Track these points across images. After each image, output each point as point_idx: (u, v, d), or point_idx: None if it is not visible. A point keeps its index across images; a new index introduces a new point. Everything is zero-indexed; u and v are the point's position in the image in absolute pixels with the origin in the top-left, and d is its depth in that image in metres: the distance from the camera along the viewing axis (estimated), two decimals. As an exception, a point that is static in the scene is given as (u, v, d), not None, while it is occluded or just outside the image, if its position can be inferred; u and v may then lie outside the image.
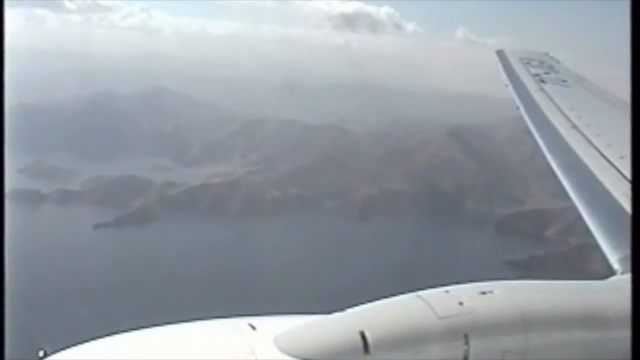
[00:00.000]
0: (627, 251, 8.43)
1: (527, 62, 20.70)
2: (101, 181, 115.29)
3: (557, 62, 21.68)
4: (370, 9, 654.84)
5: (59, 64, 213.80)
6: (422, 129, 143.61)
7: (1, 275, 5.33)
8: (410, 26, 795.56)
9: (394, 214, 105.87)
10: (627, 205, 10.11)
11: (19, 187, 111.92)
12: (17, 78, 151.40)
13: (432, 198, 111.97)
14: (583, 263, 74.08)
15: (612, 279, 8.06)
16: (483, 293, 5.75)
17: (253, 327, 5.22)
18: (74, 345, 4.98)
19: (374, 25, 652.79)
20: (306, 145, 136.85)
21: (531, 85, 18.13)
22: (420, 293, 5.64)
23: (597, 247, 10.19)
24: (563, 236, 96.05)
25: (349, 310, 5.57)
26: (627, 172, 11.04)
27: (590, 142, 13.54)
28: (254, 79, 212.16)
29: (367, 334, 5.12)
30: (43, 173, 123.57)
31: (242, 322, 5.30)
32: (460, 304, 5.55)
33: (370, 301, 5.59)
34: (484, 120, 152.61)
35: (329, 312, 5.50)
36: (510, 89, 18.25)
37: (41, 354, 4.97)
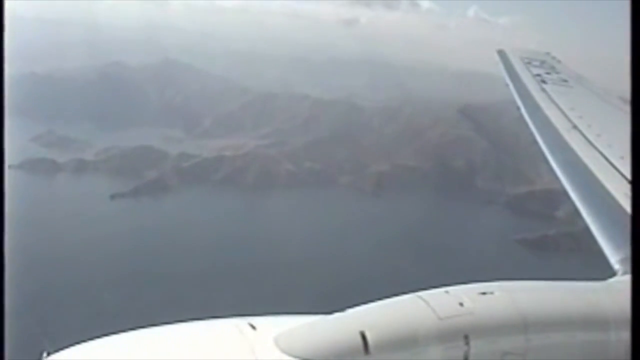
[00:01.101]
0: (628, 252, 8.42)
1: (528, 62, 20.78)
2: (115, 152, 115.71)
3: (559, 62, 21.70)
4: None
5: (67, 33, 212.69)
6: (432, 106, 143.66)
7: (1, 275, 5.24)
8: (425, 3, 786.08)
9: (406, 190, 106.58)
10: (627, 206, 10.01)
11: (33, 156, 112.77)
12: (27, 47, 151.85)
13: (443, 175, 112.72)
14: (594, 244, 75.15)
15: (612, 280, 8.15)
16: (483, 294, 5.86)
17: (253, 327, 5.25)
18: (67, 345, 5.02)
19: (388, 1, 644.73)
20: (318, 120, 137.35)
21: (532, 86, 18.24)
22: (421, 293, 5.73)
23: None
24: (573, 217, 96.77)
25: (349, 311, 5.62)
26: (628, 172, 11.07)
27: (590, 142, 13.59)
28: (263, 53, 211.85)
29: (368, 335, 5.16)
30: (55, 143, 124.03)
31: (242, 322, 5.34)
32: (461, 304, 5.63)
33: (378, 295, 5.73)
34: (493, 100, 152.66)
35: (330, 312, 5.54)
36: (512, 88, 18.42)
37: (45, 354, 4.98)
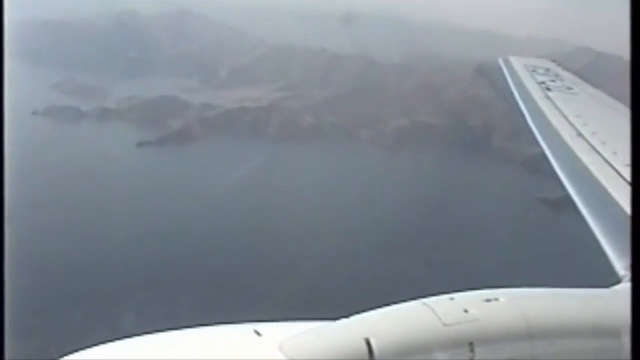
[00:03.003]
0: None
1: (533, 70, 20.85)
2: (138, 101, 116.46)
3: (563, 70, 21.80)
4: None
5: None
6: (447, 64, 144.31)
7: (1, 275, 5.26)
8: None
9: (427, 146, 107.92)
10: None
11: (58, 103, 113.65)
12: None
13: (462, 134, 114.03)
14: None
15: (618, 286, 8.19)
16: (488, 300, 5.89)
17: (258, 334, 5.31)
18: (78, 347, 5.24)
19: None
20: (335, 74, 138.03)
21: (537, 93, 18.41)
22: (426, 300, 5.77)
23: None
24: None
25: (355, 317, 5.64)
26: None
27: (596, 150, 13.61)
28: (277, 6, 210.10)
29: (373, 341, 5.20)
30: (76, 90, 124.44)
31: (247, 329, 5.41)
32: (466, 311, 5.66)
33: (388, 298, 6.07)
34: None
35: (335, 319, 5.63)
36: (517, 96, 18.82)
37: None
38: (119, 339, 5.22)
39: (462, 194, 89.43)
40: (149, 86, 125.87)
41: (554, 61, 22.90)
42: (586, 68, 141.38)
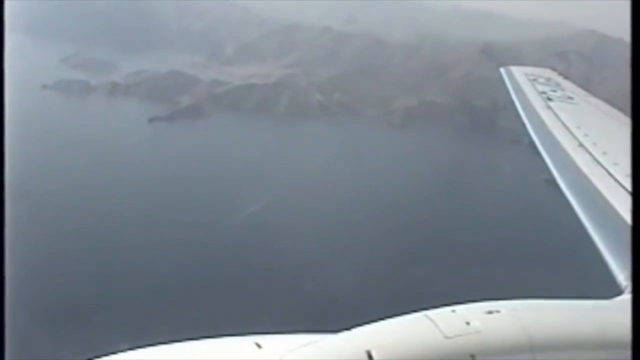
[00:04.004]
0: None
1: (533, 79, 20.69)
2: (146, 75, 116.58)
3: (564, 79, 21.74)
4: None
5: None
6: (451, 44, 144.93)
7: (1, 275, 5.27)
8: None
9: (434, 126, 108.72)
10: None
11: (66, 77, 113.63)
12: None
13: (468, 113, 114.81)
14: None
15: (619, 297, 8.17)
16: (490, 312, 5.89)
17: (259, 346, 5.31)
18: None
19: None
20: (341, 52, 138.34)
21: (538, 103, 18.19)
22: (427, 312, 5.77)
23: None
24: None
25: (356, 330, 5.62)
26: None
27: (597, 160, 13.54)
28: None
29: (374, 354, 5.20)
30: (84, 64, 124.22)
31: (247, 341, 5.41)
32: (467, 323, 5.66)
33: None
34: (510, 40, 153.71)
35: (336, 331, 5.63)
36: (517, 106, 18.56)
37: None
38: (118, 352, 5.16)
39: (472, 174, 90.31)
40: (155, 61, 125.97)
41: (554, 70, 23.08)
42: (590, 51, 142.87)
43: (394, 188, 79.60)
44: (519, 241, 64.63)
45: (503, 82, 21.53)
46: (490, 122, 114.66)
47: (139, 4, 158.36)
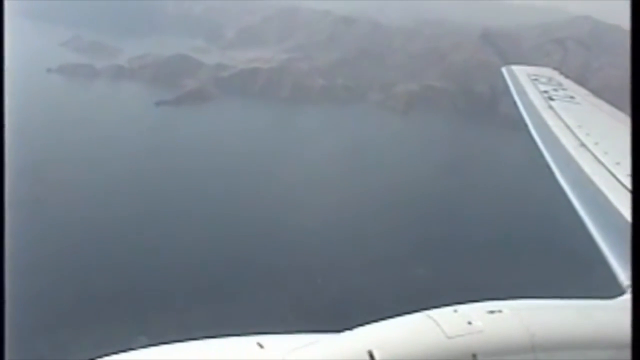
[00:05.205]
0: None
1: (535, 79, 20.63)
2: (150, 59, 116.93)
3: (566, 78, 21.64)
4: None
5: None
6: (451, 29, 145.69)
7: (1, 275, 5.27)
8: None
9: (436, 110, 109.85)
10: None
11: (69, 61, 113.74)
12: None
13: (469, 98, 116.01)
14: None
15: (621, 298, 8.15)
16: (491, 312, 5.90)
17: (261, 346, 5.34)
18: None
19: None
20: (341, 36, 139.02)
21: (539, 103, 18.22)
22: (429, 312, 5.77)
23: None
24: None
25: (358, 329, 5.63)
26: None
27: (598, 160, 13.53)
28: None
29: (376, 354, 5.23)
30: (86, 48, 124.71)
31: (250, 341, 5.44)
32: (469, 323, 5.67)
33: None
34: (507, 26, 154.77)
35: (338, 331, 5.66)
36: (519, 105, 18.53)
37: None
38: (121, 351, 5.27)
39: (477, 157, 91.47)
40: (157, 45, 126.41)
41: (555, 69, 22.92)
42: (587, 37, 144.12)
43: (401, 173, 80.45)
44: (517, 233, 64.75)
45: (504, 81, 21.46)
46: (490, 107, 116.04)
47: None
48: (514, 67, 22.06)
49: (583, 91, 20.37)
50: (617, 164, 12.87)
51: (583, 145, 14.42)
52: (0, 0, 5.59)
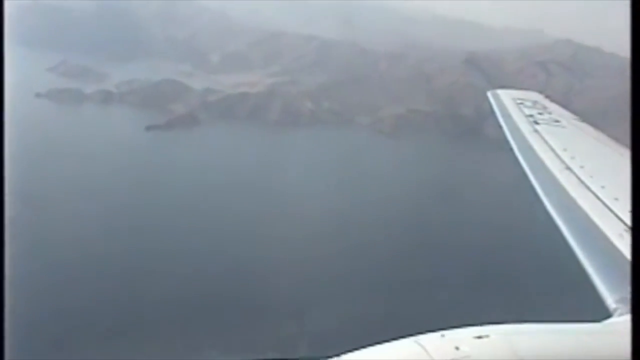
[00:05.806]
0: (623, 293, 8.75)
1: (520, 103, 20.76)
2: (138, 84, 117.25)
3: (550, 101, 21.85)
4: None
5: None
6: (435, 53, 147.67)
7: (1, 275, 5.30)
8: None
9: (422, 133, 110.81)
10: (622, 246, 10.36)
11: (57, 85, 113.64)
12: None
13: (455, 121, 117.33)
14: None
15: (608, 321, 8.17)
16: (479, 337, 5.91)
17: None
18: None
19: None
20: (327, 60, 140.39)
21: (525, 127, 18.33)
22: (417, 338, 5.80)
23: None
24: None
25: (347, 355, 5.64)
26: (622, 213, 11.54)
27: (584, 183, 13.60)
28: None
29: None
30: (72, 73, 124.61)
31: None
32: (457, 348, 5.68)
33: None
34: (490, 49, 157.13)
35: (328, 357, 5.62)
36: (505, 129, 18.61)
37: None
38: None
39: (463, 180, 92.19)
40: (143, 70, 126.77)
41: (540, 93, 22.97)
42: (569, 59, 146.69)
43: (390, 193, 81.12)
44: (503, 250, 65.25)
45: (490, 105, 21.56)
46: (475, 129, 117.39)
47: (121, 12, 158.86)
48: (499, 91, 22.19)
49: (568, 114, 20.56)
50: (602, 187, 12.97)
51: (568, 168, 14.55)
52: (1, 1, 5.69)
